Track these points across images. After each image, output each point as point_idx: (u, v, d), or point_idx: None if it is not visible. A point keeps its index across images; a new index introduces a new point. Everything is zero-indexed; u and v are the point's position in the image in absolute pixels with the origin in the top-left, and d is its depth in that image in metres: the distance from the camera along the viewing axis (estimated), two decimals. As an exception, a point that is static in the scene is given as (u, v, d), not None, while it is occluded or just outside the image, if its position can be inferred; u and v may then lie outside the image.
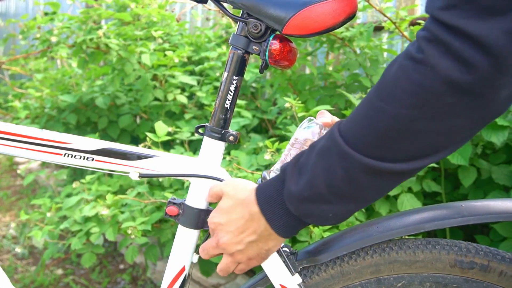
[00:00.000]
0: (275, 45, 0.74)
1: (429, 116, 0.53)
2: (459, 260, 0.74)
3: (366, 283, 0.78)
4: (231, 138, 0.80)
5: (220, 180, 0.80)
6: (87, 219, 1.61)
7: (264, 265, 0.79)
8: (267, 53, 0.75)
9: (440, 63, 0.50)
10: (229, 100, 0.79)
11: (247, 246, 0.72)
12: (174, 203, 0.82)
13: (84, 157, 0.79)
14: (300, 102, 1.72)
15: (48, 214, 1.65)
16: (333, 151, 0.59)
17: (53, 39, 2.00)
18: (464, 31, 0.48)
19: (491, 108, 0.52)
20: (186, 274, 0.84)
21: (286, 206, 0.65)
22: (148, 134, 1.51)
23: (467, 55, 0.48)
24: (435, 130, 0.54)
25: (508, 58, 0.47)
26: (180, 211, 0.82)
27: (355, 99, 1.51)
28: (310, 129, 0.76)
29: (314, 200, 0.62)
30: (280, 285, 0.78)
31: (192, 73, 2.33)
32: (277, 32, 0.75)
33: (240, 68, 0.78)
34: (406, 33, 1.62)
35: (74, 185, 1.72)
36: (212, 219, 0.75)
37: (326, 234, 1.22)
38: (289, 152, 0.75)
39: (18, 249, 2.06)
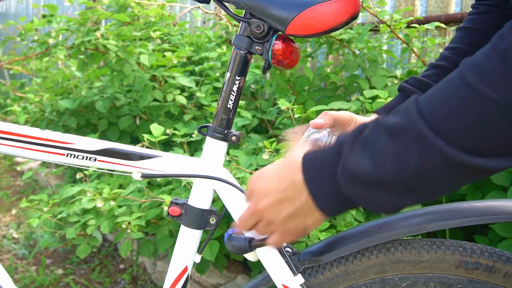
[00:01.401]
0: (278, 45, 0.74)
1: None
2: (464, 260, 0.74)
3: (370, 283, 0.78)
4: (233, 138, 0.80)
5: (222, 181, 0.80)
6: (85, 211, 1.62)
7: (266, 265, 0.79)
8: (269, 53, 0.75)
9: None
10: (231, 100, 0.79)
11: (285, 219, 0.65)
12: (176, 203, 0.82)
13: (87, 157, 0.79)
14: (298, 103, 1.73)
15: (45, 209, 1.66)
16: (410, 134, 0.50)
17: (51, 41, 2.00)
18: None
19: None
20: (188, 274, 0.84)
21: (337, 181, 0.57)
22: (145, 135, 1.53)
23: None
24: None
25: None
26: (183, 211, 0.82)
27: (353, 100, 1.52)
28: (320, 133, 0.76)
29: (373, 185, 0.54)
30: (283, 285, 0.78)
31: (192, 73, 2.33)
32: (280, 32, 0.75)
33: (242, 68, 0.78)
34: (401, 35, 1.63)
35: (77, 176, 1.73)
36: (253, 179, 0.69)
37: (323, 234, 1.22)
38: None
39: (16, 235, 2.06)
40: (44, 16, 2.09)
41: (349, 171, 0.55)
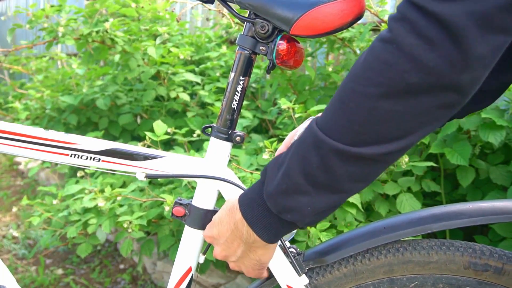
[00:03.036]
0: (282, 45, 0.74)
1: (396, 95, 0.53)
2: (473, 262, 0.74)
3: (378, 283, 0.78)
4: (237, 138, 0.80)
5: (227, 181, 0.79)
6: (86, 210, 1.61)
7: (271, 265, 0.79)
8: (274, 54, 0.75)
9: (405, 41, 0.51)
10: (236, 100, 0.79)
11: (240, 258, 0.73)
12: (180, 204, 0.82)
13: (91, 157, 0.79)
14: (299, 102, 1.72)
15: (54, 202, 1.66)
16: (308, 140, 0.59)
17: (60, 30, 1.98)
18: (430, 11, 0.49)
19: (455, 90, 0.52)
20: (192, 275, 0.84)
21: (266, 205, 0.65)
22: (147, 133, 1.51)
23: (431, 33, 0.50)
24: (402, 110, 0.54)
25: (469, 38, 0.49)
26: (187, 211, 0.82)
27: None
28: None
29: (291, 192, 0.61)
30: (287, 285, 0.78)
31: (192, 73, 2.33)
32: (284, 33, 0.75)
33: (246, 68, 0.78)
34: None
35: (78, 174, 1.72)
36: (205, 233, 0.78)
37: (323, 234, 1.22)
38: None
39: (16, 233, 2.06)
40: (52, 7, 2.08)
41: (270, 190, 0.64)
